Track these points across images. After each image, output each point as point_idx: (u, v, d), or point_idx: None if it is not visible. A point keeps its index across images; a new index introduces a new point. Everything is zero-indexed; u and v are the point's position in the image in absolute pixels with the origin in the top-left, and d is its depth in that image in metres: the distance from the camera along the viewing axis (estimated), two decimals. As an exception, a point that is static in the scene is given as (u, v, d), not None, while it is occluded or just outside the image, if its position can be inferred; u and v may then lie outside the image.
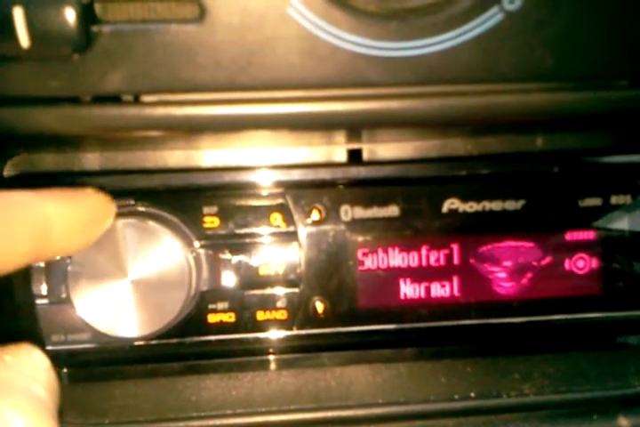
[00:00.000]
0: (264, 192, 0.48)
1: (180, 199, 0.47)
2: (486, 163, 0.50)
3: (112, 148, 0.47)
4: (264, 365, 0.49)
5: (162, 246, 0.43)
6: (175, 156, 0.48)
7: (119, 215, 0.43)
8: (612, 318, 0.51)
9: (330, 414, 0.46)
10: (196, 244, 0.47)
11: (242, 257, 0.48)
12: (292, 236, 0.48)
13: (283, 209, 0.48)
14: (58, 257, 0.45)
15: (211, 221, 0.48)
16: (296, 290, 0.49)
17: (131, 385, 0.46)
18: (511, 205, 0.50)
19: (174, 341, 0.48)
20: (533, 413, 0.46)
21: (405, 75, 0.34)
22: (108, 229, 0.42)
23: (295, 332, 0.49)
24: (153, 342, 0.47)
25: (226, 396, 0.46)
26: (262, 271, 0.48)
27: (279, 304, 0.49)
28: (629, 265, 0.51)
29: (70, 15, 0.29)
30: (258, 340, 0.49)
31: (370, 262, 0.49)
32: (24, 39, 0.29)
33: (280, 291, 0.49)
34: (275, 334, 0.49)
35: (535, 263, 0.50)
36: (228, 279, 0.48)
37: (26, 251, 0.30)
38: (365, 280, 0.49)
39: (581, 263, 0.51)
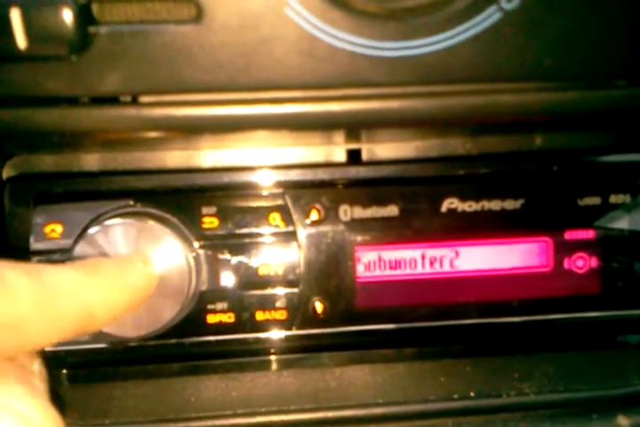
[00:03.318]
0: (263, 192, 0.48)
1: (179, 200, 0.47)
2: (485, 162, 0.50)
3: (111, 148, 0.47)
4: (264, 365, 0.49)
5: (161, 247, 0.43)
6: (174, 156, 0.48)
7: (118, 216, 0.43)
8: (611, 317, 0.51)
9: (329, 414, 0.46)
10: (195, 244, 0.47)
11: (241, 257, 0.48)
12: (291, 236, 0.48)
13: (282, 209, 0.48)
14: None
15: (210, 222, 0.48)
16: (295, 290, 0.49)
17: (130, 386, 0.46)
18: (510, 204, 0.50)
19: (173, 341, 0.48)
20: (533, 412, 0.46)
21: (404, 74, 0.34)
22: (107, 229, 0.42)
23: (294, 332, 0.49)
24: (152, 342, 0.47)
25: (225, 396, 0.46)
26: (261, 271, 0.48)
27: (278, 304, 0.49)
28: (629, 264, 0.51)
29: (67, 16, 0.29)
30: (257, 340, 0.49)
31: (369, 262, 0.49)
32: (21, 40, 0.30)
33: (279, 291, 0.48)
34: (274, 335, 0.49)
35: (535, 262, 0.50)
36: (228, 280, 0.48)
37: (67, 335, 0.30)
38: (364, 280, 0.49)
39: (581, 262, 0.51)
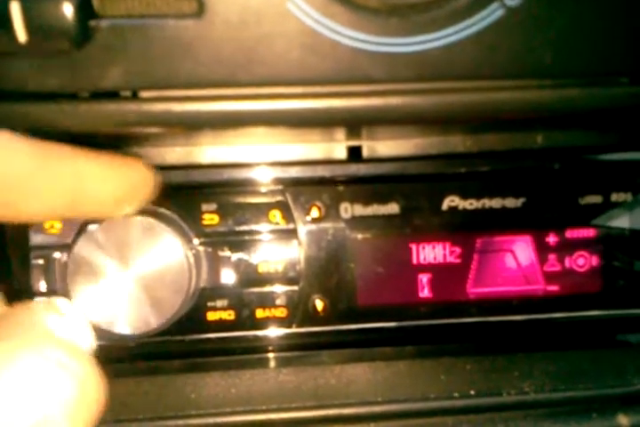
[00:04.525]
0: (263, 189, 0.48)
1: (179, 196, 0.47)
2: (486, 160, 0.50)
3: (111, 144, 0.47)
4: (264, 362, 0.49)
5: (161, 244, 0.43)
6: (174, 152, 0.48)
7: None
8: (612, 315, 0.51)
9: (330, 411, 0.46)
10: (195, 241, 0.47)
11: (241, 254, 0.48)
12: (291, 233, 0.48)
13: (282, 206, 0.48)
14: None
15: (210, 219, 0.47)
16: (295, 288, 0.48)
17: (130, 383, 0.46)
18: (511, 202, 0.50)
19: (173, 338, 0.48)
20: (533, 411, 0.46)
21: (406, 71, 0.34)
22: (107, 225, 0.42)
23: (295, 330, 0.49)
24: (152, 339, 0.47)
25: (225, 394, 0.46)
26: (262, 269, 0.48)
27: (279, 302, 0.48)
28: (630, 263, 0.51)
29: (68, 10, 0.29)
30: (257, 338, 0.49)
31: (369, 260, 0.49)
32: (21, 34, 0.29)
33: (279, 288, 0.48)
34: (274, 332, 0.49)
35: (535, 261, 0.50)
36: (228, 277, 0.48)
37: (61, 204, 0.32)
38: (365, 278, 0.49)
39: (581, 261, 0.51)
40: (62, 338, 0.26)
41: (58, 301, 0.28)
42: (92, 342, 0.28)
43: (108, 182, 0.34)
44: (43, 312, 0.27)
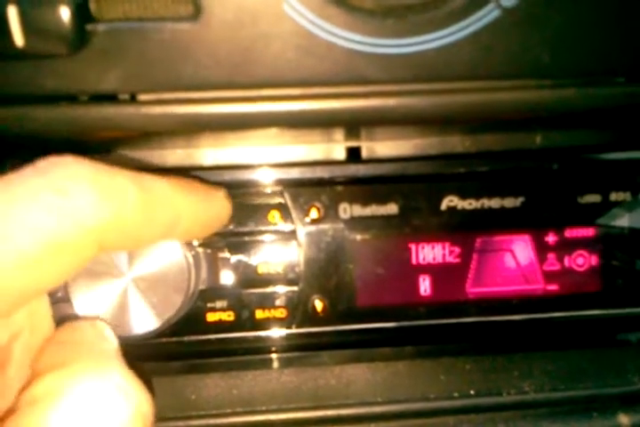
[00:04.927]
0: (262, 190, 0.48)
1: (179, 198, 0.47)
2: (485, 160, 0.50)
3: (110, 147, 0.47)
4: (263, 363, 0.49)
5: (160, 245, 0.43)
6: (173, 154, 0.48)
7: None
8: (611, 315, 0.51)
9: (330, 412, 0.46)
10: (195, 242, 0.47)
11: (240, 256, 0.48)
12: (290, 234, 0.48)
13: (281, 207, 0.48)
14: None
15: (209, 220, 0.47)
16: (295, 288, 0.49)
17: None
18: (510, 202, 0.50)
19: (173, 340, 0.48)
20: (533, 410, 0.46)
21: (403, 72, 0.34)
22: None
23: (294, 330, 0.49)
24: (152, 340, 0.47)
25: (225, 395, 0.46)
26: (261, 270, 0.48)
27: (278, 303, 0.49)
28: (629, 262, 0.51)
29: (65, 14, 0.29)
30: (257, 338, 0.49)
31: (369, 260, 0.49)
32: (19, 38, 0.29)
33: (279, 289, 0.48)
34: (274, 333, 0.49)
35: (534, 261, 0.50)
36: (227, 278, 0.48)
37: (157, 239, 0.34)
38: (364, 278, 0.49)
39: (581, 260, 0.51)
40: (119, 362, 0.27)
41: (99, 322, 0.29)
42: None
43: (199, 218, 0.36)
44: (93, 334, 0.28)
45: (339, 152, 0.50)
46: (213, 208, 0.38)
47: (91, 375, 0.26)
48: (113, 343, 0.30)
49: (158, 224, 0.32)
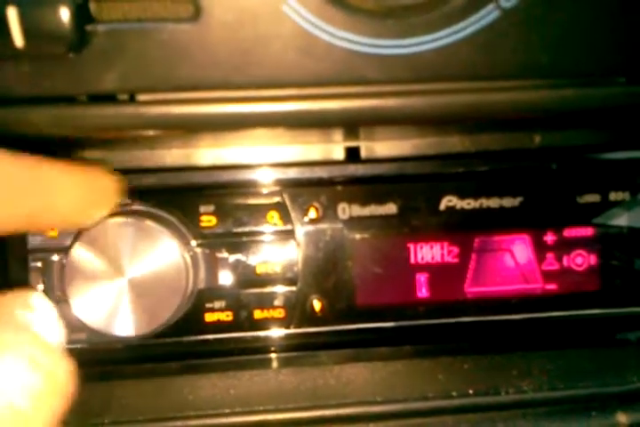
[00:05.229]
0: (261, 190, 0.48)
1: (177, 198, 0.47)
2: (484, 160, 0.50)
3: (109, 146, 0.47)
4: (262, 363, 0.49)
5: (159, 245, 0.43)
6: (171, 154, 0.48)
7: (116, 214, 0.42)
8: (610, 314, 0.51)
9: (328, 412, 0.46)
10: (193, 242, 0.47)
11: (239, 256, 0.48)
12: (289, 234, 0.48)
13: (280, 207, 0.48)
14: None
15: (208, 220, 0.47)
16: (293, 288, 0.49)
17: (128, 385, 0.46)
18: (509, 201, 0.50)
19: (171, 340, 0.48)
20: (532, 410, 0.46)
21: (402, 72, 0.34)
22: (104, 228, 0.42)
23: (293, 330, 0.49)
24: (150, 341, 0.47)
25: (224, 395, 0.46)
26: (259, 270, 0.48)
27: (276, 303, 0.49)
28: (628, 261, 0.51)
29: (65, 14, 0.29)
30: (255, 338, 0.49)
31: (367, 260, 0.49)
32: (18, 39, 0.29)
33: (277, 289, 0.48)
34: (272, 333, 0.49)
35: (533, 260, 0.50)
36: (226, 278, 0.48)
37: (26, 213, 0.31)
38: (363, 278, 0.49)
39: (580, 260, 0.51)
40: (35, 333, 0.27)
41: (32, 295, 0.29)
42: (62, 337, 0.28)
43: (68, 194, 0.33)
44: (17, 306, 0.28)
45: (337, 152, 0.50)
46: (88, 183, 0.35)
47: (2, 346, 0.25)
48: (37, 313, 0.29)
49: (26, 192, 0.30)
